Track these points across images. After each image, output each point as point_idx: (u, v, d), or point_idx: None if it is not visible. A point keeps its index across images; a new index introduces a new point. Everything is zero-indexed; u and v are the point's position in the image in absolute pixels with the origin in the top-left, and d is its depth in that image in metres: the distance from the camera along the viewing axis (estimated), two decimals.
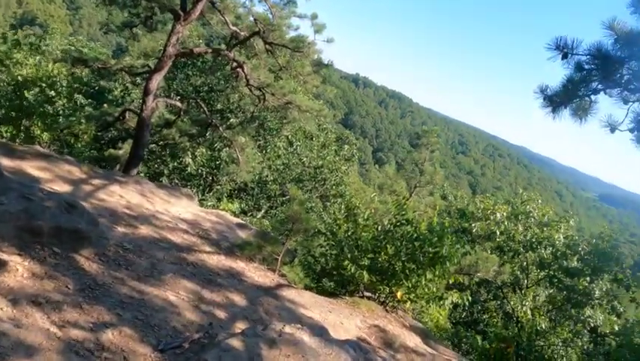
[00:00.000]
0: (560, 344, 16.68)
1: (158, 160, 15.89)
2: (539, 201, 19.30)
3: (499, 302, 19.41)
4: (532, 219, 18.79)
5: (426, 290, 8.96)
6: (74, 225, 5.87)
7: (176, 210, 9.23)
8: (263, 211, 19.30)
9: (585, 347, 17.08)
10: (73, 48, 14.69)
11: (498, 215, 17.93)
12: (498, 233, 17.97)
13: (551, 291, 18.76)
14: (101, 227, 6.77)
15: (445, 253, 8.41)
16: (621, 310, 17.91)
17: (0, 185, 6.20)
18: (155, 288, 5.65)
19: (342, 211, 10.81)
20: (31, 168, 8.01)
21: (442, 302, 9.09)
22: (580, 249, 16.85)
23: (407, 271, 8.80)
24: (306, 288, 8.17)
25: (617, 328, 16.58)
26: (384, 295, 9.22)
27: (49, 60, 10.77)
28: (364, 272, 8.45)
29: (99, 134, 13.43)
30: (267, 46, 10.99)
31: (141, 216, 8.04)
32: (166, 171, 15.70)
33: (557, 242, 18.00)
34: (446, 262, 8.57)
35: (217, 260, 7.42)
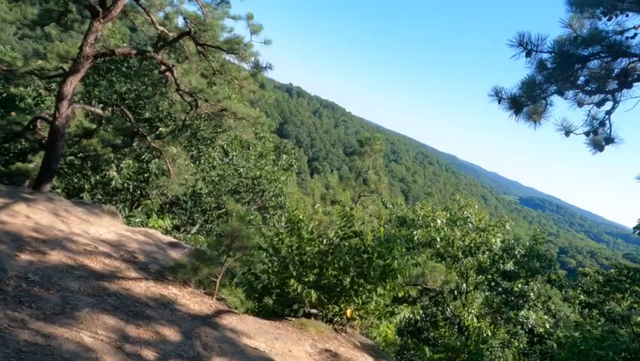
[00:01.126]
0: (498, 346, 16.97)
1: (78, 174, 14.36)
2: (476, 206, 19.67)
3: (440, 308, 19.52)
4: (470, 224, 19.09)
5: (377, 306, 8.48)
6: None
7: (96, 230, 8.11)
8: (197, 226, 18.16)
9: (522, 347, 17.51)
10: None
11: (438, 221, 18.01)
12: (438, 240, 18.06)
13: (487, 294, 19.15)
14: None
15: (396, 265, 7.95)
16: (555, 310, 18.58)
17: None
18: (66, 329, 4.67)
19: (284, 225, 10.16)
20: None
21: (393, 318, 8.62)
22: (516, 252, 17.26)
23: (356, 287, 8.27)
24: (249, 312, 7.39)
25: (548, 326, 17.14)
26: (332, 314, 8.62)
27: None
28: (312, 291, 7.80)
29: (4, 145, 11.80)
30: (199, 47, 10.11)
31: (52, 239, 6.90)
32: (87, 186, 14.21)
33: (494, 246, 18.40)
34: (397, 275, 8.13)
35: (145, 287, 6.46)
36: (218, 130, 14.82)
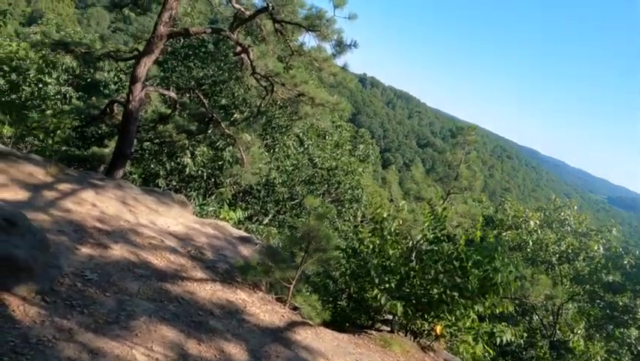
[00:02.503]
0: None
1: (154, 160, 14.22)
2: (575, 208, 17.47)
3: (527, 318, 17.62)
4: (568, 227, 16.99)
5: (473, 324, 7.23)
6: (7, 251, 4.19)
7: (164, 221, 7.55)
8: (270, 216, 17.61)
9: None
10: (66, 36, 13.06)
11: (531, 223, 16.14)
12: (531, 243, 16.20)
13: (581, 305, 16.99)
14: (54, 251, 5.09)
15: (499, 279, 6.65)
16: None
17: None
18: (118, 343, 3.96)
19: (361, 221, 9.15)
20: None
21: (493, 339, 7.33)
22: (625, 262, 14.99)
23: (449, 300, 7.07)
24: (325, 324, 6.46)
25: None
26: (417, 328, 7.50)
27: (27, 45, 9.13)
28: (398, 304, 6.71)
29: (83, 129, 11.82)
30: (277, 25, 9.27)
31: (117, 231, 6.36)
32: (162, 173, 14.03)
33: (596, 254, 16.21)
34: (500, 290, 6.82)
35: (211, 291, 5.71)
36: (294, 118, 14.03)
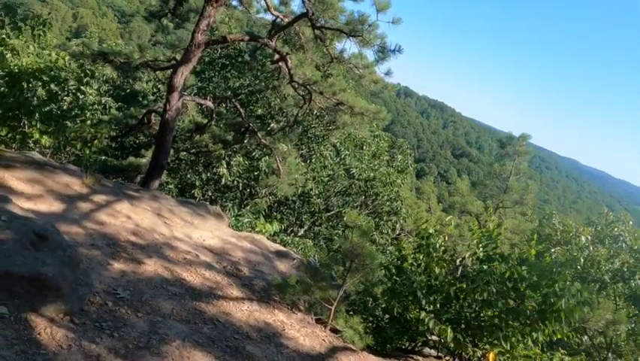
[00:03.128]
0: None
1: (190, 170, 14.14)
2: (630, 222, 16.33)
3: (577, 339, 16.50)
4: (623, 244, 15.87)
5: (530, 353, 6.59)
6: (35, 269, 3.94)
7: (199, 234, 7.27)
8: (305, 228, 17.27)
9: None
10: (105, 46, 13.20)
11: (582, 239, 15.14)
12: (582, 260, 15.19)
13: (634, 327, 15.77)
14: (86, 266, 4.85)
15: (562, 305, 6.01)
16: None
17: None
18: None
19: (405, 236, 8.64)
20: (16, 180, 6.25)
21: None
22: None
23: (503, 325, 6.47)
24: (369, 349, 5.99)
25: None
26: (468, 355, 6.91)
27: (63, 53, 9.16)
28: (448, 329, 6.17)
29: (121, 139, 11.86)
30: (317, 32, 8.95)
31: (151, 245, 6.11)
32: (198, 183, 13.92)
33: None
34: (562, 317, 6.17)
35: (248, 312, 5.35)
36: (331, 127, 13.67)
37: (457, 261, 7.73)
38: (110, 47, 13.48)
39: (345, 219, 15.41)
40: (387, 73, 8.32)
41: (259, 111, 15.99)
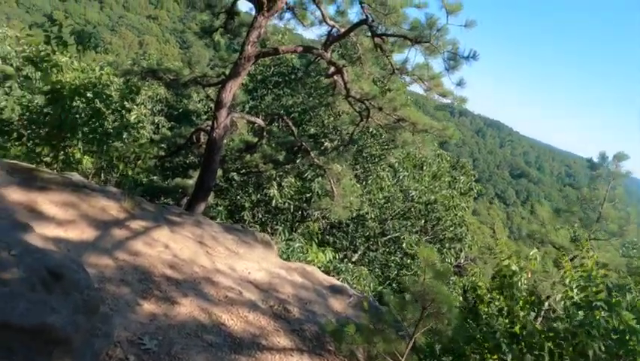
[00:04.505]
0: None
1: (240, 191, 13.55)
2: None
3: None
4: None
5: None
6: (41, 318, 3.21)
7: (244, 266, 6.46)
8: (360, 253, 16.22)
9: None
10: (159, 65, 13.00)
11: None
12: None
13: None
14: (111, 307, 4.13)
15: None
16: None
17: None
18: None
19: (468, 263, 7.46)
20: (49, 203, 5.71)
21: None
22: None
23: None
24: None
25: None
26: None
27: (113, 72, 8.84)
28: None
29: (169, 159, 11.49)
30: (377, 40, 8.08)
31: (189, 280, 5.34)
32: (248, 204, 13.29)
33: None
34: None
35: None
36: (389, 146, 12.70)
37: (546, 304, 6.50)
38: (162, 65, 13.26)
39: (404, 245, 14.27)
40: (460, 83, 7.27)
41: (312, 130, 15.28)
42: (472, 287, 7.18)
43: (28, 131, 7.18)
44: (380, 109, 9.24)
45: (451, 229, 14.10)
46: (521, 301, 6.27)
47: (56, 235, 5.11)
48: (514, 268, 6.42)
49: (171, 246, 5.96)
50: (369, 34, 8.47)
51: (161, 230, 6.25)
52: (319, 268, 8.68)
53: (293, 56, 16.31)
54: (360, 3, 7.66)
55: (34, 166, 6.76)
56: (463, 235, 14.03)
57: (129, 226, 6.00)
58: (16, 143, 7.33)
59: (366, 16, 7.78)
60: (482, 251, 16.89)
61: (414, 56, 7.89)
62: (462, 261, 14.33)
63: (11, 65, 12.69)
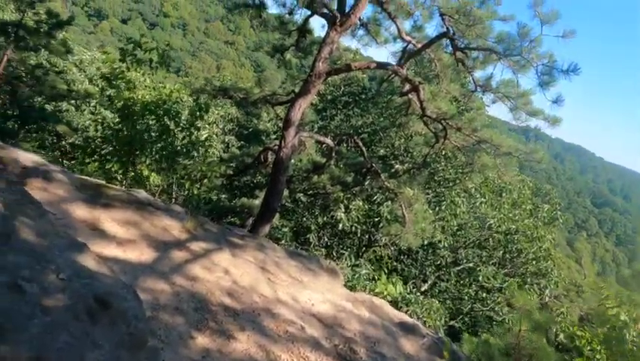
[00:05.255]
0: None
1: (306, 212, 13.18)
2: None
3: None
4: None
5: None
6: (79, 353, 2.89)
7: (308, 297, 5.96)
8: (429, 283, 15.22)
9: None
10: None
11: None
12: None
13: None
14: (162, 339, 3.77)
15: None
16: None
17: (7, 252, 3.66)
18: None
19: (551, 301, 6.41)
20: (112, 221, 5.56)
21: None
22: None
23: None
24: None
25: None
26: None
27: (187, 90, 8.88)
28: None
29: (236, 179, 11.38)
30: (458, 54, 7.44)
31: (248, 311, 4.92)
32: (314, 227, 12.86)
33: None
34: None
35: None
36: (466, 170, 11.81)
37: None
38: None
39: (480, 278, 13.15)
40: (557, 101, 6.39)
41: (381, 151, 14.70)
42: (567, 335, 6.22)
43: (102, 148, 7.25)
44: (459, 129, 8.51)
45: (534, 262, 12.80)
46: (630, 358, 5.26)
47: (114, 256, 4.91)
48: (623, 318, 5.42)
49: (231, 271, 5.60)
50: (449, 49, 7.84)
51: (222, 253, 5.92)
52: (389, 300, 8.00)
53: (364, 75, 15.95)
54: (441, 15, 7.08)
55: (102, 182, 6.76)
56: (549, 270, 12.65)
57: (189, 248, 5.72)
58: (91, 159, 7.42)
59: (448, 28, 7.18)
60: (567, 288, 15.30)
61: (501, 71, 7.13)
62: (546, 299, 12.95)
63: (97, 86, 13.30)
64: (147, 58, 7.23)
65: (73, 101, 14.03)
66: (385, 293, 8.05)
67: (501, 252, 13.30)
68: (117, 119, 6.88)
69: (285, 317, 5.11)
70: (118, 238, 5.29)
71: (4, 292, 3.02)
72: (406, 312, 12.08)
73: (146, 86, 7.27)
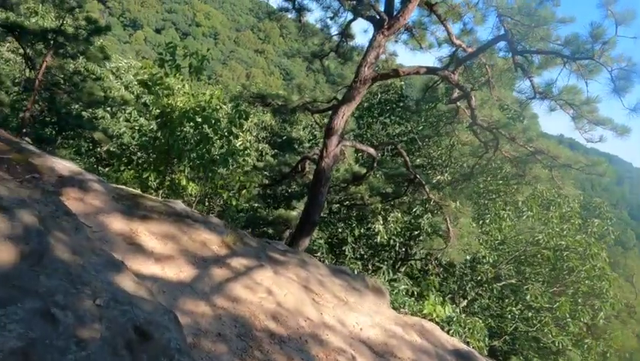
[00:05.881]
0: None
1: (342, 224, 12.72)
2: None
3: None
4: None
5: None
6: None
7: (355, 320, 5.49)
8: (470, 298, 14.51)
9: None
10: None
11: None
12: None
13: None
14: None
15: None
16: None
17: (42, 272, 3.35)
18: None
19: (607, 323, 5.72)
20: (149, 235, 5.24)
21: None
22: None
23: None
24: None
25: None
26: None
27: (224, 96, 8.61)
28: None
29: (272, 189, 11.04)
30: (518, 58, 6.88)
31: (294, 336, 4.49)
32: (350, 239, 12.38)
33: None
34: None
35: None
36: (514, 181, 11.15)
37: None
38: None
39: (528, 297, 12.39)
40: (636, 109, 5.73)
41: (418, 161, 14.12)
42: None
43: (138, 156, 6.99)
44: (513, 139, 7.92)
45: (587, 281, 11.93)
46: None
47: (152, 273, 4.57)
48: None
49: (274, 291, 5.18)
50: (505, 53, 7.30)
51: (263, 271, 5.51)
52: (437, 323, 7.45)
53: (402, 82, 15.45)
54: (499, 17, 6.56)
55: (139, 192, 6.48)
56: (604, 290, 11.74)
57: (230, 265, 5.34)
58: (128, 167, 7.18)
59: (506, 30, 6.65)
60: (619, 309, 14.34)
61: (564, 77, 6.51)
62: (601, 322, 12.07)
63: (132, 93, 13.23)
64: (187, 63, 6.98)
65: (109, 109, 14.05)
66: (435, 315, 7.51)
67: (548, 268, 12.49)
68: (154, 127, 6.61)
69: (334, 345, 4.66)
70: (156, 253, 4.95)
71: (36, 321, 2.68)
72: (447, 331, 11.47)
73: (184, 93, 7.01)
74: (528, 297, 11.88)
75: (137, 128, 6.70)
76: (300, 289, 5.61)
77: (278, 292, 5.21)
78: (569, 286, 12.12)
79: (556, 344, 11.37)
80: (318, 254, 11.95)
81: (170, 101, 6.64)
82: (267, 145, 15.68)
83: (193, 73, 6.98)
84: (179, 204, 6.68)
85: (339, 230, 12.92)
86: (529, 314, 12.63)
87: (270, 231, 11.05)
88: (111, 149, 12.56)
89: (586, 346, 11.43)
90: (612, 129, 6.59)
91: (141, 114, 6.61)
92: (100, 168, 14.15)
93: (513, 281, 13.92)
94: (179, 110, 6.61)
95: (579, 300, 12.14)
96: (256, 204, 11.70)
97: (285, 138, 16.30)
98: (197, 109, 6.73)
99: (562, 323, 11.98)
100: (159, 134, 6.57)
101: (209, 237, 5.81)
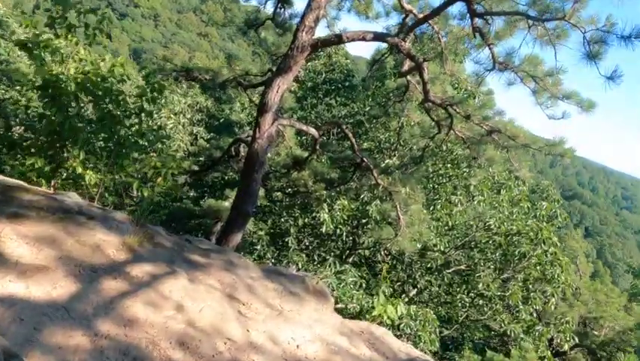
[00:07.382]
0: None
1: (284, 213, 11.69)
2: None
3: None
4: None
5: None
6: None
7: (291, 334, 4.48)
8: (419, 288, 13.97)
9: None
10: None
11: None
12: None
13: None
14: None
15: None
16: None
17: None
18: None
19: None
20: (19, 238, 3.96)
21: None
22: None
23: None
24: None
25: None
26: None
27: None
28: None
29: (200, 175, 9.81)
30: (477, 21, 6.03)
31: None
32: (293, 230, 11.38)
33: None
34: None
35: None
36: (465, 165, 10.52)
37: None
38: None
39: (480, 285, 11.92)
40: (612, 77, 4.99)
41: (365, 145, 13.28)
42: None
43: (24, 138, 5.60)
44: (467, 117, 7.15)
45: (538, 267, 11.62)
46: None
47: (11, 293, 3.34)
48: None
49: (186, 306, 4.06)
50: (460, 21, 6.44)
51: (175, 279, 4.37)
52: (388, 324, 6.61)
53: (347, 60, 14.51)
54: None
55: (23, 184, 5.14)
56: (555, 275, 11.46)
57: (129, 274, 4.15)
58: (10, 153, 5.77)
59: None
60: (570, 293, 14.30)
61: (530, 44, 5.72)
62: (552, 308, 11.81)
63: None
64: (82, 22, 5.63)
65: None
66: (385, 317, 6.68)
67: (498, 254, 12.09)
68: (41, 102, 5.25)
69: None
70: (22, 264, 3.69)
71: None
72: (398, 326, 10.77)
73: (80, 59, 5.64)
74: (480, 285, 11.42)
75: (16, 102, 5.33)
76: (223, 299, 4.52)
77: (191, 306, 4.09)
78: (520, 272, 11.80)
79: (509, 333, 11.01)
80: (258, 247, 10.89)
81: (60, 69, 5.30)
82: (202, 128, 14.33)
83: (90, 36, 5.63)
84: (72, 198, 5.37)
85: (282, 220, 11.89)
86: (481, 302, 12.22)
87: (197, 229, 9.83)
88: None
89: (537, 333, 11.15)
90: (577, 104, 5.91)
91: (17, 84, 5.31)
92: None
93: (462, 267, 13.47)
94: (73, 80, 5.29)
95: (530, 286, 11.85)
96: (185, 197, 10.46)
97: (222, 120, 14.97)
98: (97, 80, 5.43)
99: (513, 310, 11.64)
100: (46, 110, 5.22)
101: (105, 238, 4.58)
